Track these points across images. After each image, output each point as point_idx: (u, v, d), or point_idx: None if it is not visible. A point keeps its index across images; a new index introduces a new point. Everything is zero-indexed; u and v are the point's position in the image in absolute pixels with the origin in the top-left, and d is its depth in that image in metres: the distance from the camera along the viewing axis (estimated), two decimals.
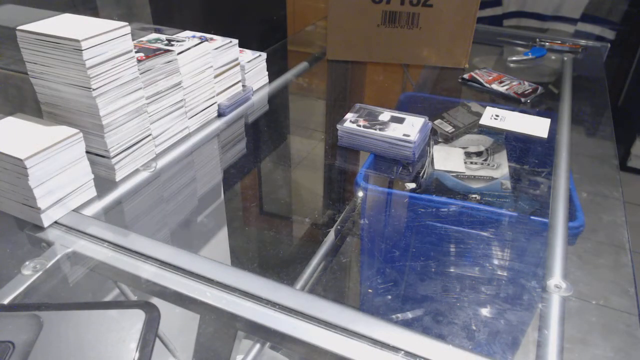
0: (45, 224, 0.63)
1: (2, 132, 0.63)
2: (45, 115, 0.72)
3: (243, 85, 1.02)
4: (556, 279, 0.59)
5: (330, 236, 0.73)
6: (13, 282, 0.55)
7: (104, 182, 0.72)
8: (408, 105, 1.09)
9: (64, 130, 0.63)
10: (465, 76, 1.17)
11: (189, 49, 0.82)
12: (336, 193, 0.88)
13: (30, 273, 0.56)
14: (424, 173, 0.83)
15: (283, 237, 0.82)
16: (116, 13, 1.13)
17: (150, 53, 0.75)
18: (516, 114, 0.99)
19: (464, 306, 0.60)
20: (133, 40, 0.69)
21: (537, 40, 1.40)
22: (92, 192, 0.69)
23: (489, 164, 0.86)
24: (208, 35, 0.92)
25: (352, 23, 1.20)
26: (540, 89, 1.11)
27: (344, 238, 0.74)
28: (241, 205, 0.88)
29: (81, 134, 0.64)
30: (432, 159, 0.86)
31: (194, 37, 0.88)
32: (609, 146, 0.95)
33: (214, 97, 0.92)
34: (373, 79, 1.31)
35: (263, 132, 1.01)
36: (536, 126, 0.94)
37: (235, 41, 0.95)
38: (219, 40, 0.93)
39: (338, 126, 0.87)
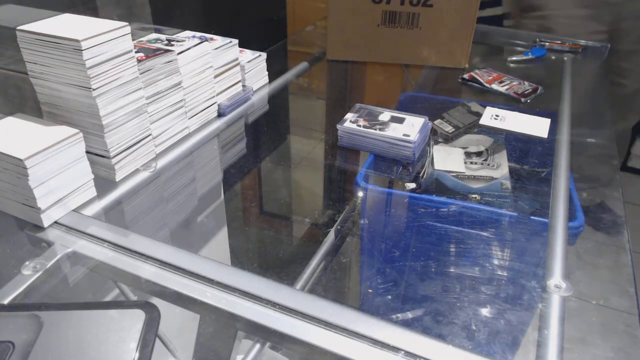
0: (45, 224, 0.63)
1: (2, 132, 0.63)
2: (45, 115, 0.72)
3: (243, 85, 1.02)
4: (556, 279, 0.59)
5: (330, 236, 0.73)
6: (13, 282, 0.55)
7: (104, 182, 0.72)
8: (408, 105, 1.09)
9: (64, 130, 0.63)
10: (465, 76, 1.17)
11: (189, 49, 0.82)
12: (336, 193, 0.88)
13: (30, 273, 0.56)
14: (424, 173, 0.83)
15: (283, 237, 0.82)
16: (116, 13, 1.13)
17: (150, 53, 0.75)
18: (516, 114, 0.99)
19: (464, 306, 0.60)
20: (133, 40, 0.69)
21: (537, 40, 1.40)
22: (92, 192, 0.69)
23: (489, 164, 0.86)
24: (208, 35, 0.92)
25: (352, 23, 1.20)
26: (540, 89, 1.11)
27: (344, 238, 0.74)
28: (241, 205, 0.88)
29: (81, 134, 0.64)
30: (432, 159, 0.86)
31: (194, 37, 0.88)
32: (609, 146, 0.95)
33: (214, 97, 0.92)
34: (373, 79, 1.31)
35: (263, 132, 1.01)
36: (536, 126, 0.94)
37: (235, 41, 0.95)
38: (219, 40, 0.93)
39: (338, 126, 0.87)
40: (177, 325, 0.71)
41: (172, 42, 0.83)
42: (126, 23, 0.67)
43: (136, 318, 0.45)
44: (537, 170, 0.85)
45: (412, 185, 0.80)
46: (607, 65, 1.34)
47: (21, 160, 0.57)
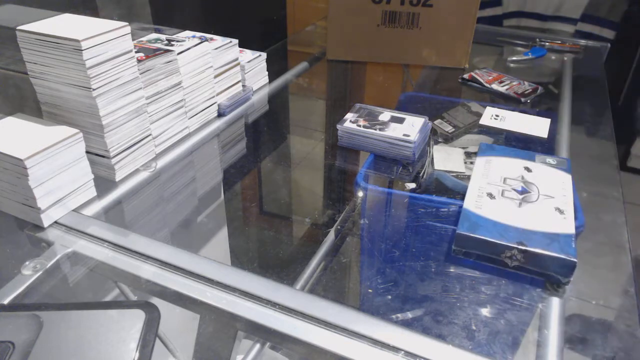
0: (45, 224, 0.63)
1: (2, 132, 0.63)
2: (45, 115, 0.72)
3: (243, 85, 1.02)
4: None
5: (330, 236, 0.73)
6: (13, 282, 0.55)
7: (104, 182, 0.72)
8: (408, 105, 1.08)
9: (64, 130, 0.63)
10: (465, 76, 1.17)
11: (189, 49, 0.82)
12: (336, 193, 0.88)
13: (30, 273, 0.56)
14: (424, 173, 0.83)
15: (283, 237, 0.82)
16: (116, 13, 1.13)
17: (150, 53, 0.75)
18: (516, 114, 0.99)
19: (464, 306, 0.60)
20: (133, 40, 0.69)
21: (537, 40, 1.40)
22: (92, 192, 0.69)
23: None
24: (208, 35, 0.92)
25: (352, 23, 1.20)
26: (540, 89, 1.11)
27: (344, 238, 0.74)
28: (241, 205, 0.88)
29: (81, 134, 0.64)
30: (432, 159, 0.86)
31: (194, 37, 0.88)
32: (609, 146, 0.95)
33: (214, 97, 0.92)
34: (373, 79, 1.31)
35: (263, 132, 1.01)
36: (536, 126, 0.94)
37: (235, 41, 0.95)
38: (219, 40, 0.93)
39: (338, 126, 0.87)
40: (177, 325, 0.71)
41: (172, 42, 0.83)
42: (126, 23, 0.67)
43: (136, 318, 0.45)
44: None
45: (412, 185, 0.80)
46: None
47: (21, 160, 0.57)
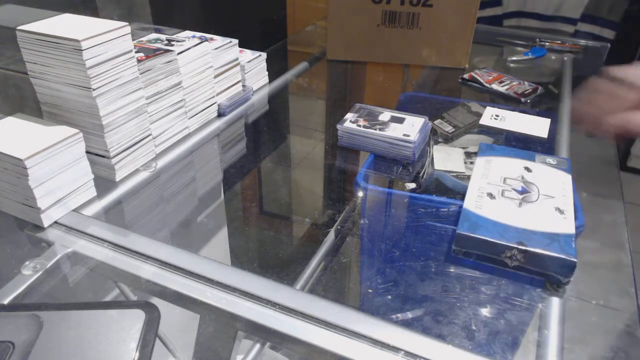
0: (45, 224, 0.63)
1: (2, 132, 0.63)
2: (45, 115, 0.72)
3: (243, 85, 1.02)
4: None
5: (330, 236, 0.73)
6: (13, 282, 0.55)
7: (104, 182, 0.72)
8: (408, 105, 1.08)
9: (64, 130, 0.63)
10: (465, 76, 1.17)
11: (189, 49, 0.82)
12: (336, 193, 0.88)
13: (30, 273, 0.56)
14: (424, 173, 0.83)
15: (283, 237, 0.82)
16: (116, 13, 1.13)
17: (150, 53, 0.75)
18: (516, 114, 0.99)
19: (464, 306, 0.60)
20: (133, 40, 0.69)
21: (537, 40, 1.40)
22: (92, 192, 0.69)
23: None
24: (208, 35, 0.92)
25: (352, 23, 1.20)
26: (540, 89, 1.11)
27: (344, 238, 0.74)
28: (241, 205, 0.88)
29: (81, 134, 0.64)
30: (432, 159, 0.86)
31: (194, 37, 0.88)
32: (609, 146, 0.95)
33: (214, 97, 0.92)
34: (373, 79, 1.31)
35: (263, 132, 1.01)
36: (536, 126, 0.94)
37: (235, 41, 0.95)
38: (219, 40, 0.93)
39: (338, 126, 0.87)
40: (177, 325, 0.71)
41: (172, 42, 0.83)
42: (126, 23, 0.67)
43: (136, 318, 0.45)
44: None
45: (412, 185, 0.80)
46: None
47: (21, 160, 0.57)
